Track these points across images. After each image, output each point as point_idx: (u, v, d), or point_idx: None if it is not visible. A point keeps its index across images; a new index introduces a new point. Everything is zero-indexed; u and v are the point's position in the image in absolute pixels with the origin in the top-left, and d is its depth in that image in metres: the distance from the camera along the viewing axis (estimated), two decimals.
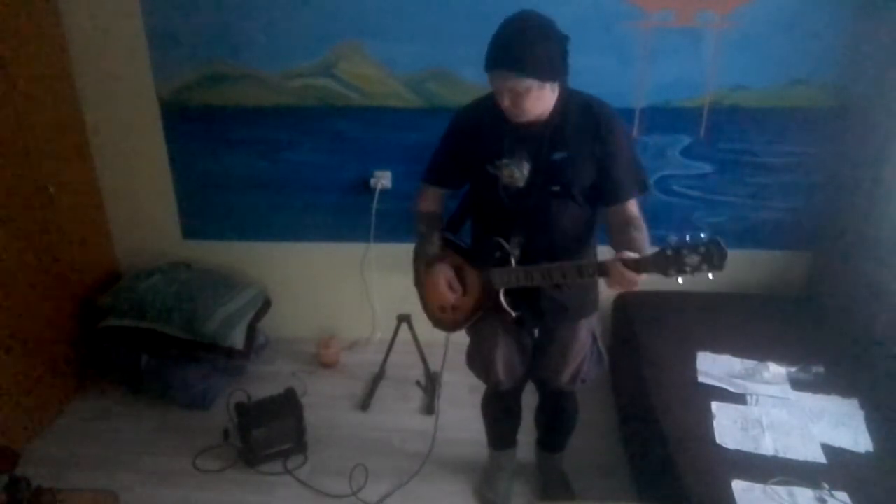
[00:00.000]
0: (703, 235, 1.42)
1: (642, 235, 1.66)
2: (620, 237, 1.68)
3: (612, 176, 1.68)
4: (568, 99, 1.66)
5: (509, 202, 1.72)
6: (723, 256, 1.39)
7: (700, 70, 2.60)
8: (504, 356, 1.95)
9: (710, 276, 1.43)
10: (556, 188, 1.69)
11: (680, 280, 1.44)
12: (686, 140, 2.72)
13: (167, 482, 2.39)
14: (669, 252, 1.43)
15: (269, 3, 2.64)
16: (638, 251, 1.56)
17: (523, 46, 1.50)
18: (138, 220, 3.10)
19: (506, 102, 1.57)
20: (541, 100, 1.59)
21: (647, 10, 2.53)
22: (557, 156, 1.66)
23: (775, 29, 2.51)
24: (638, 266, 1.48)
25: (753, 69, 2.58)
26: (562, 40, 1.56)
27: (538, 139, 1.67)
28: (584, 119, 1.66)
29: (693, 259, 1.41)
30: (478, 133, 1.74)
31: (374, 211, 2.92)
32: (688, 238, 1.43)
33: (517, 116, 1.61)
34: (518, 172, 1.68)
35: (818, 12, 2.48)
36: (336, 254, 3.08)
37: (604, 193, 1.72)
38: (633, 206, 1.72)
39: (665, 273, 1.44)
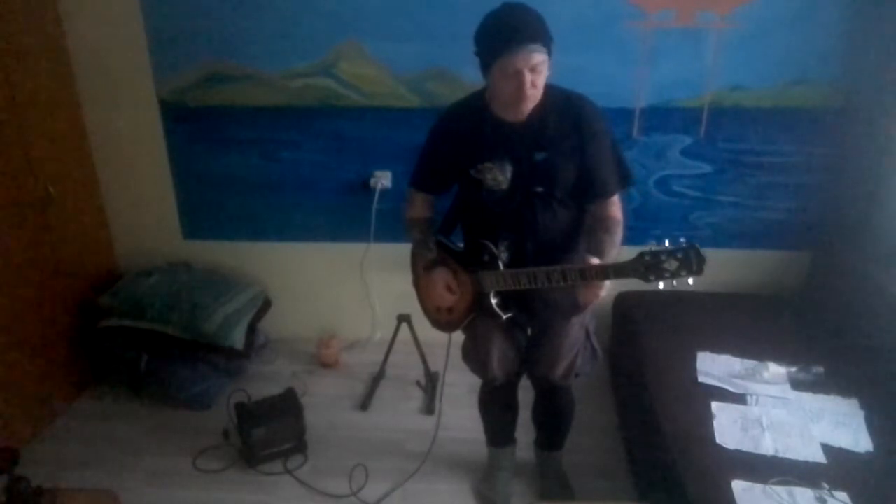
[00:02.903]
0: (682, 240, 1.42)
1: (612, 238, 1.66)
2: (591, 238, 1.69)
3: (594, 173, 1.68)
4: (547, 94, 1.63)
5: (494, 205, 1.72)
6: (701, 261, 1.40)
7: (700, 70, 2.60)
8: (499, 352, 1.96)
9: (691, 281, 1.42)
10: (540, 189, 1.68)
11: (661, 285, 1.44)
12: (686, 140, 2.72)
13: (167, 482, 2.39)
14: (648, 258, 1.43)
15: (269, 3, 2.64)
16: (601, 255, 1.58)
17: (532, 21, 1.50)
18: (138, 220, 3.10)
19: (527, 83, 1.52)
20: (544, 79, 1.57)
21: (648, 10, 2.53)
22: (539, 156, 1.66)
23: (775, 29, 2.51)
24: (618, 272, 1.48)
25: (753, 69, 2.58)
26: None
27: (519, 140, 1.66)
28: (564, 116, 1.65)
29: (671, 264, 1.41)
30: (459, 136, 1.73)
31: (374, 211, 2.92)
32: (666, 243, 1.43)
33: (532, 99, 1.57)
34: (501, 175, 1.68)
35: (818, 12, 2.48)
36: (336, 254, 3.08)
37: (586, 190, 1.71)
38: (612, 205, 1.72)
39: (645, 279, 1.45)
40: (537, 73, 1.53)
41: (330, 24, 2.65)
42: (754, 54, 2.56)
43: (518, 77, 1.52)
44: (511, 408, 2.23)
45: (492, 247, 1.75)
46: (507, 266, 1.74)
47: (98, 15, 2.72)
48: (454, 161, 1.75)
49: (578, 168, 1.68)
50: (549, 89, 1.64)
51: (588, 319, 1.97)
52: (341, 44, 2.69)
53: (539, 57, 1.50)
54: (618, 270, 1.49)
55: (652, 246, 1.44)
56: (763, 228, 2.85)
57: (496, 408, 2.23)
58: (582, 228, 1.81)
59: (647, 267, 1.44)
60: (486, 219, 1.77)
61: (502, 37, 1.50)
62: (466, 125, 1.71)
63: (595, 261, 1.53)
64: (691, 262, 1.41)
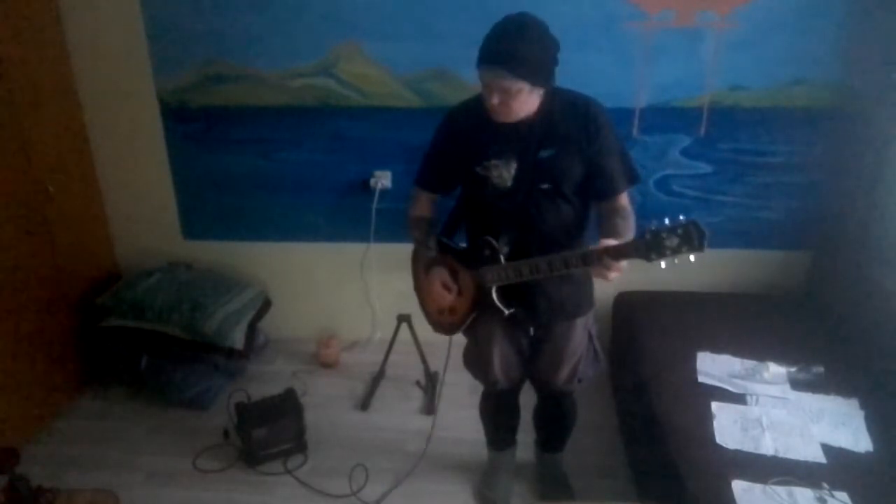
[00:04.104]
0: (682, 218, 1.40)
1: (627, 224, 1.67)
2: (606, 225, 1.70)
3: (604, 172, 1.69)
4: (553, 96, 1.66)
5: (499, 202, 1.73)
6: (702, 236, 1.37)
7: (700, 70, 2.60)
8: (501, 356, 1.96)
9: (692, 258, 1.40)
10: (546, 186, 1.69)
11: (662, 264, 1.42)
12: (686, 140, 2.72)
13: (167, 482, 2.39)
14: (648, 236, 1.42)
15: (268, 4, 2.64)
16: (620, 236, 1.57)
17: (521, 47, 1.50)
18: (138, 220, 3.10)
19: (494, 100, 1.56)
20: (527, 103, 1.60)
21: (648, 11, 2.53)
22: (544, 153, 1.67)
23: (775, 29, 2.51)
24: (619, 252, 1.48)
25: (753, 69, 2.58)
26: (556, 46, 1.57)
27: (525, 138, 1.67)
28: (570, 116, 1.66)
29: (672, 241, 1.39)
30: (465, 135, 1.74)
31: (374, 211, 2.92)
32: (667, 221, 1.41)
33: (503, 116, 1.61)
34: (507, 172, 1.69)
35: (818, 12, 2.48)
36: (336, 254, 3.08)
37: (595, 189, 1.72)
38: (622, 197, 1.74)
39: (646, 257, 1.43)
40: (509, 95, 1.54)
41: (330, 24, 2.65)
42: (754, 54, 2.55)
43: (489, 91, 1.56)
44: (512, 413, 2.23)
45: (493, 241, 1.75)
46: (508, 260, 1.74)
47: (98, 15, 2.72)
48: (460, 158, 1.76)
49: (585, 168, 1.69)
50: (557, 92, 1.66)
51: (591, 322, 1.97)
52: (341, 44, 2.69)
53: (508, 84, 1.51)
54: (619, 252, 1.48)
55: (652, 225, 1.43)
56: (763, 228, 2.84)
57: (497, 413, 2.23)
58: (585, 224, 1.82)
59: (649, 246, 1.42)
60: (491, 216, 1.77)
61: (487, 46, 1.53)
62: (472, 123, 1.72)
63: (609, 242, 1.51)
64: (692, 237, 1.38)
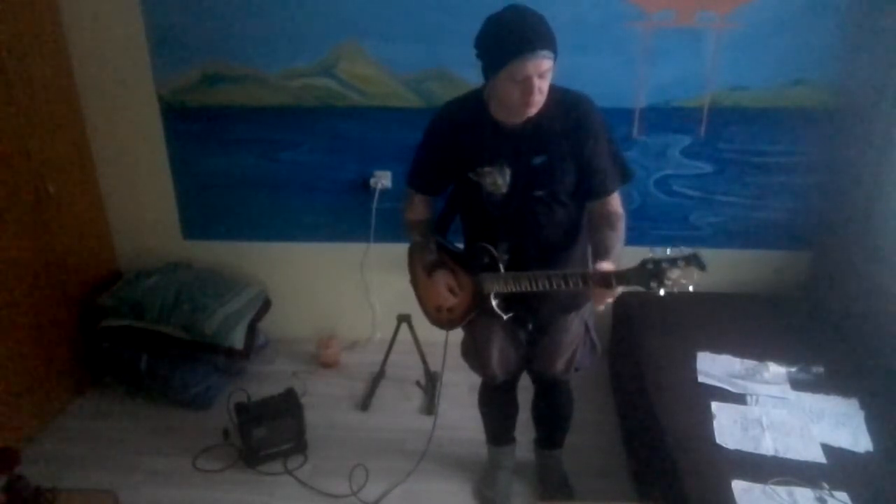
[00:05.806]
0: (683, 249, 1.45)
1: (616, 234, 1.67)
2: (596, 236, 1.70)
3: (595, 172, 1.68)
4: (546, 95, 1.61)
5: (494, 209, 1.72)
6: (703, 269, 1.43)
7: (700, 70, 2.60)
8: (499, 349, 1.96)
9: (691, 287, 1.46)
10: (540, 193, 1.68)
11: (662, 292, 1.47)
12: (686, 140, 2.72)
13: (167, 482, 2.39)
14: (650, 266, 1.45)
15: (269, 3, 2.64)
16: (608, 252, 1.60)
17: (540, 26, 1.49)
18: (138, 220, 3.10)
19: (534, 92, 1.50)
20: (549, 83, 1.56)
21: (647, 10, 2.53)
22: (537, 160, 1.65)
23: (775, 29, 2.51)
24: (620, 278, 1.50)
25: (753, 69, 2.58)
26: None
27: (517, 144, 1.65)
28: (561, 117, 1.63)
29: (674, 273, 1.44)
30: (457, 138, 1.71)
31: (374, 211, 2.92)
32: (668, 251, 1.46)
33: (537, 105, 1.55)
34: (501, 179, 1.67)
35: (818, 12, 2.48)
36: (336, 254, 3.08)
37: (587, 188, 1.71)
38: (613, 201, 1.73)
39: (646, 286, 1.47)
40: (544, 78, 1.52)
41: (330, 24, 2.65)
42: (754, 54, 2.55)
43: (527, 83, 1.50)
44: (511, 405, 2.23)
45: (492, 249, 1.74)
46: (507, 268, 1.74)
47: (98, 15, 2.72)
48: (451, 162, 1.74)
49: (578, 169, 1.67)
50: (549, 92, 1.62)
51: (587, 314, 1.97)
52: (341, 44, 2.69)
53: (548, 63, 1.49)
54: (620, 277, 1.50)
55: (654, 253, 1.46)
56: (763, 228, 2.84)
57: (496, 405, 2.23)
58: (581, 226, 1.81)
59: (650, 275, 1.46)
60: (486, 222, 1.76)
61: (513, 42, 1.47)
62: (464, 126, 1.70)
63: (606, 266, 1.53)
64: (693, 270, 1.44)
